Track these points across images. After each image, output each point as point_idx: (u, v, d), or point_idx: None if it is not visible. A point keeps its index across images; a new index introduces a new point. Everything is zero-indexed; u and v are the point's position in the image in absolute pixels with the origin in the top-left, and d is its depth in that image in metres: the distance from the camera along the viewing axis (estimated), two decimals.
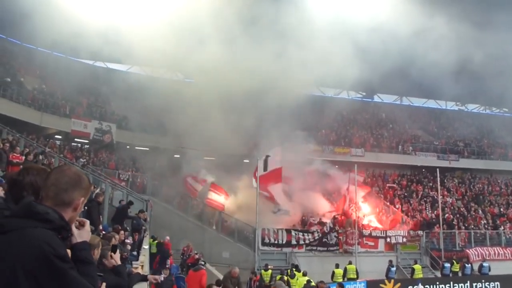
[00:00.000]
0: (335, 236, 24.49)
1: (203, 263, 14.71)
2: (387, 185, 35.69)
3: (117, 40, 27.90)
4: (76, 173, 2.10)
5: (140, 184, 27.18)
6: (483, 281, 23.09)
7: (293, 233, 23.85)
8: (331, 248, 24.17)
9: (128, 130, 30.54)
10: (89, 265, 2.05)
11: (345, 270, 21.26)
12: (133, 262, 7.31)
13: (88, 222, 2.24)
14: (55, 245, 1.81)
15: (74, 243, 2.05)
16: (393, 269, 22.57)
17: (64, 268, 1.79)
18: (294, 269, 19.33)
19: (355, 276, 21.12)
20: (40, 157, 14.89)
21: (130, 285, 5.59)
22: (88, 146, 30.05)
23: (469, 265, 24.66)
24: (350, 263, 21.70)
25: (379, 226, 27.80)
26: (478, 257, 26.43)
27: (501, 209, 34.55)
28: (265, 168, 24.22)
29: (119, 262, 4.95)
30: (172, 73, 38.52)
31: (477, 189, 38.38)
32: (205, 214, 26.11)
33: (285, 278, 18.02)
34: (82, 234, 2.12)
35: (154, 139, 30.52)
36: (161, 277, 7.55)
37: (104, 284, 3.59)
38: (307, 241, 23.78)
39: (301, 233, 24.02)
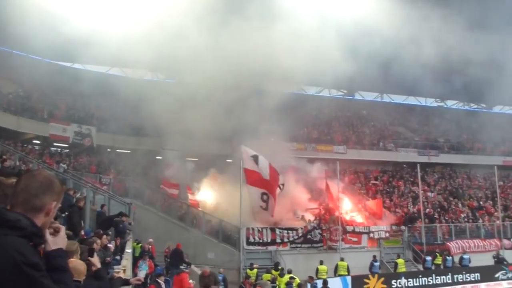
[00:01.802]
0: (319, 233, 24.66)
1: (184, 265, 14.67)
2: (371, 182, 36.10)
3: (95, 41, 27.54)
4: (46, 177, 2.06)
5: (122, 187, 26.91)
6: (463, 272, 23.61)
7: (277, 231, 23.92)
8: (315, 245, 24.33)
9: (108, 133, 30.15)
10: (64, 273, 2.00)
11: (337, 266, 21.54)
12: (115, 267, 7.27)
13: (63, 228, 2.18)
14: (26, 253, 1.78)
15: (49, 250, 2.01)
16: (377, 264, 22.88)
17: (34, 276, 1.75)
18: (278, 267, 19.51)
19: (347, 273, 21.32)
20: (17, 163, 14.63)
21: None
22: (68, 150, 29.62)
23: (450, 257, 25.16)
24: (342, 259, 21.94)
25: (362, 221, 28.09)
26: (459, 249, 26.96)
27: (480, 202, 35.28)
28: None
29: (98, 266, 4.91)
30: (152, 74, 38.31)
31: (456, 183, 39.13)
32: (189, 215, 26.03)
33: (275, 273, 18.28)
34: (57, 240, 2.07)
35: (135, 141, 30.29)
36: (141, 277, 7.59)
37: None
38: (291, 239, 23.91)
39: (286, 231, 24.12)
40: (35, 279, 1.75)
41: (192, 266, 18.35)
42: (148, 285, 12.57)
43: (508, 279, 24.22)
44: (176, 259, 18.18)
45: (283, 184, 25.69)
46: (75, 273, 3.20)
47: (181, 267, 14.60)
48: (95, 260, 4.67)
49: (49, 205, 2.01)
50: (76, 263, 3.67)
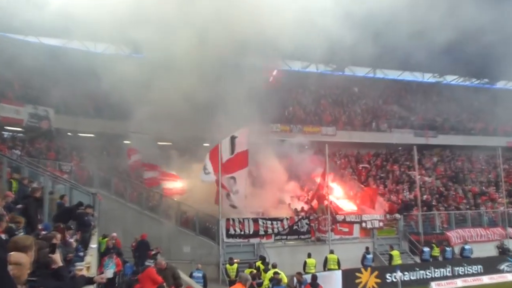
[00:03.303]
0: (306, 223, 24.75)
1: (151, 261, 14.55)
2: (360, 165, 36.42)
3: (51, 10, 26.78)
4: None
5: (85, 175, 26.60)
6: (464, 265, 24.04)
7: (260, 222, 23.93)
8: (303, 237, 24.49)
9: (68, 115, 29.66)
10: None
11: (326, 260, 21.70)
12: (77, 264, 7.16)
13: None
14: None
15: None
16: (369, 256, 23.19)
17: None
18: (265, 262, 19.62)
19: (337, 267, 21.49)
20: None
21: None
22: (22, 134, 29.06)
23: (450, 248, 25.61)
24: (332, 252, 22.09)
25: (353, 208, 28.40)
26: (459, 239, 27.50)
27: (483, 187, 35.96)
28: (232, 151, 24.19)
29: (60, 264, 4.82)
30: (117, 48, 37.61)
31: (456, 167, 39.78)
32: (162, 205, 25.93)
33: (259, 266, 18.45)
34: None
35: (100, 124, 29.87)
36: (106, 275, 7.57)
37: None
38: (276, 230, 23.97)
39: (269, 222, 24.14)
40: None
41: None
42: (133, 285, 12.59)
43: None
44: (143, 251, 18.12)
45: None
46: (25, 270, 3.14)
47: (146, 263, 14.44)
48: (57, 257, 4.58)
49: None
50: (24, 260, 3.39)
